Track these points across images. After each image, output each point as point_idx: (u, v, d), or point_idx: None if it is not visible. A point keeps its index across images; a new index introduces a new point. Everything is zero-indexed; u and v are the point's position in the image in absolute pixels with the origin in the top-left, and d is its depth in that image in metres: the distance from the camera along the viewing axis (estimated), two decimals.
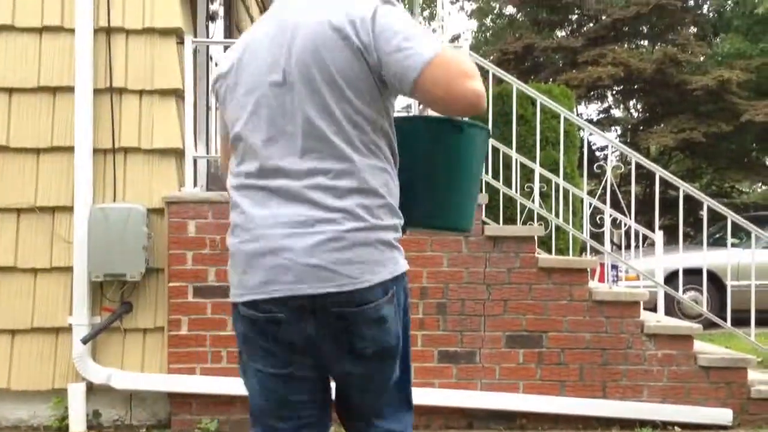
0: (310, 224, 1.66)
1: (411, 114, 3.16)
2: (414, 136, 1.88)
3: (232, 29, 6.49)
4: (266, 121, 1.71)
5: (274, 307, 1.69)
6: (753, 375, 4.57)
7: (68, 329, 4.27)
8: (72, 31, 4.40)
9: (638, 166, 5.08)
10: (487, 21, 19.57)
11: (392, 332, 1.75)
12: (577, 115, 12.93)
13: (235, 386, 4.24)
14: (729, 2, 15.79)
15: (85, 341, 4.20)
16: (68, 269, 4.31)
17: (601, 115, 16.36)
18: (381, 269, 1.70)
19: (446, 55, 1.68)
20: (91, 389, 4.30)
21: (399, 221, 1.78)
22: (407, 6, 19.64)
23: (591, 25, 15.66)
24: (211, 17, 5.96)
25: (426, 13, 19.19)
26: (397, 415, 1.86)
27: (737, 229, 5.86)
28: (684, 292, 5.67)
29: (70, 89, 4.38)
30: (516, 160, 5.24)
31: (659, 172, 4.95)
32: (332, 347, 1.72)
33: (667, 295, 5.56)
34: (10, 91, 4.41)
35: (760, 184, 20.39)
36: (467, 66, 1.71)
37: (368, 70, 1.69)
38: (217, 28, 6.32)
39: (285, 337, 1.72)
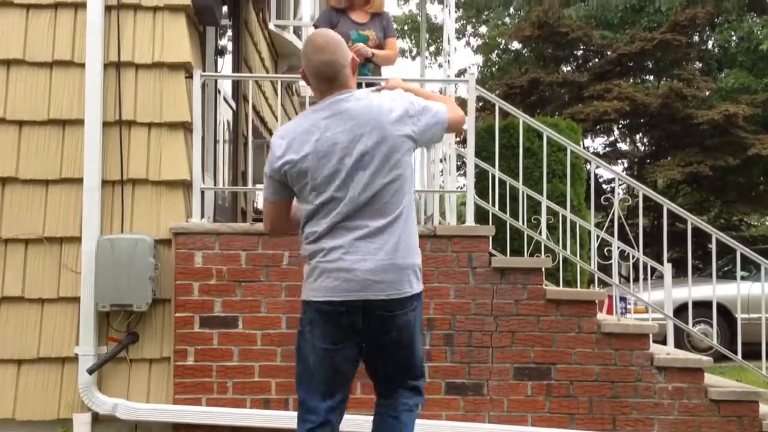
0: (372, 252, 2.58)
1: None
2: None
3: (240, 63, 6.56)
4: (351, 187, 2.58)
5: (341, 305, 2.59)
6: (765, 408, 4.50)
7: (74, 359, 4.27)
8: (82, 65, 4.46)
9: (646, 198, 5.07)
10: (493, 56, 19.69)
11: (409, 328, 2.71)
12: (584, 148, 12.95)
13: (240, 417, 4.22)
14: (734, 38, 15.88)
15: (91, 371, 4.19)
16: (75, 299, 4.32)
17: (608, 149, 16.37)
18: (416, 286, 2.69)
19: (445, 100, 2.86)
20: (97, 419, 4.27)
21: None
22: (414, 42, 19.86)
23: (596, 60, 15.75)
24: (220, 52, 6.04)
25: (432, 48, 19.39)
26: (414, 375, 2.83)
27: (746, 262, 5.83)
28: (693, 325, 5.62)
29: (79, 122, 4.44)
30: (523, 192, 5.24)
31: (667, 204, 4.94)
32: (373, 332, 2.65)
33: (676, 328, 5.52)
34: (20, 123, 4.46)
35: None
36: (449, 99, 2.98)
37: (415, 143, 2.72)
38: (226, 62, 6.39)
39: (343, 323, 2.62)
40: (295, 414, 3.79)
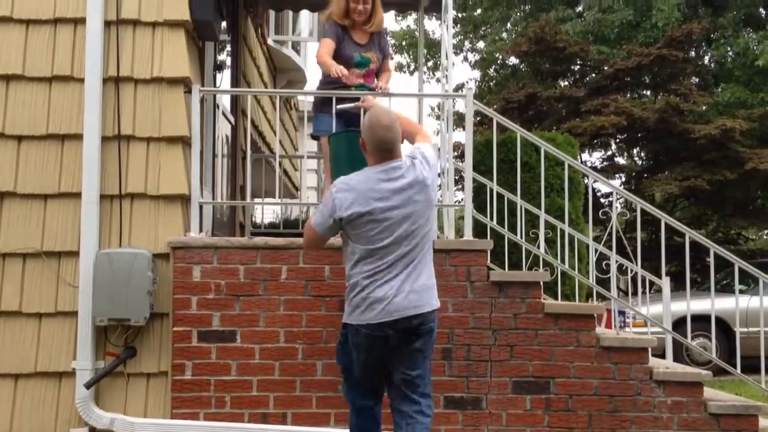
0: (412, 282, 3.33)
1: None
2: (354, 142, 3.79)
3: (238, 78, 6.59)
4: (404, 237, 3.31)
5: (389, 326, 3.28)
6: (764, 422, 4.49)
7: (72, 374, 4.27)
8: (81, 80, 4.49)
9: (644, 212, 5.08)
10: (491, 71, 19.71)
11: (431, 341, 3.48)
12: (581, 162, 12.97)
13: (238, 431, 4.21)
14: (730, 53, 15.93)
15: (88, 386, 4.18)
16: (73, 314, 4.31)
17: (605, 163, 16.34)
18: (437, 301, 3.46)
19: (419, 128, 3.82)
20: None
21: None
22: (412, 57, 19.94)
23: (593, 75, 15.77)
24: (219, 67, 6.07)
25: (430, 63, 19.45)
26: (426, 387, 3.48)
27: (745, 276, 5.84)
28: (692, 338, 5.62)
29: (78, 136, 4.45)
30: (521, 206, 5.25)
31: (665, 218, 4.95)
32: (404, 344, 3.36)
33: (675, 342, 5.51)
34: (19, 138, 4.48)
35: (766, 231, 20.31)
36: (420, 126, 3.89)
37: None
38: (224, 77, 6.42)
39: (385, 343, 3.33)
40: (293, 428, 3.86)
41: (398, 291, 3.29)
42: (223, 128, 6.00)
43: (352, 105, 4.43)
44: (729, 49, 15.74)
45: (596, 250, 5.22)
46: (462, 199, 4.80)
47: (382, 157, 3.38)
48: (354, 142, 3.95)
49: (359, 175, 3.40)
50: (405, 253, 3.32)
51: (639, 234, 5.23)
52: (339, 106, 4.53)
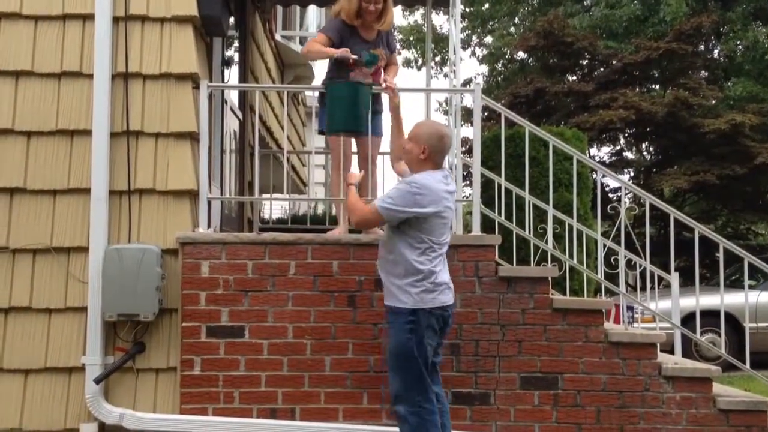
0: (449, 274, 3.83)
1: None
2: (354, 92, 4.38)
3: (246, 74, 6.59)
4: (448, 234, 3.80)
5: (450, 308, 3.72)
6: None
7: (81, 369, 4.29)
8: (90, 76, 4.50)
9: (652, 207, 5.06)
10: (498, 66, 19.67)
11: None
12: (590, 157, 12.92)
13: (247, 427, 4.21)
14: (739, 47, 15.85)
15: (98, 381, 4.20)
16: (82, 309, 4.33)
17: (614, 158, 16.29)
18: None
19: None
20: (104, 429, 4.29)
21: None
22: (419, 52, 19.91)
23: (601, 69, 15.71)
24: (227, 62, 6.06)
25: (438, 58, 19.40)
26: None
27: (754, 271, 5.81)
28: (701, 334, 5.59)
29: (87, 132, 4.47)
30: (529, 201, 5.24)
31: (674, 213, 4.93)
32: (448, 325, 3.82)
33: (684, 337, 5.49)
34: (29, 134, 4.49)
35: None
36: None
37: None
38: (232, 72, 6.42)
39: (447, 323, 3.75)
40: (301, 423, 3.84)
41: (449, 280, 3.77)
42: (231, 124, 6.00)
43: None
44: (738, 42, 15.65)
45: (605, 245, 5.20)
46: (470, 195, 4.79)
47: (439, 163, 3.79)
48: (354, 91, 4.36)
49: (427, 178, 3.69)
50: (446, 246, 3.81)
51: (648, 229, 5.22)
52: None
